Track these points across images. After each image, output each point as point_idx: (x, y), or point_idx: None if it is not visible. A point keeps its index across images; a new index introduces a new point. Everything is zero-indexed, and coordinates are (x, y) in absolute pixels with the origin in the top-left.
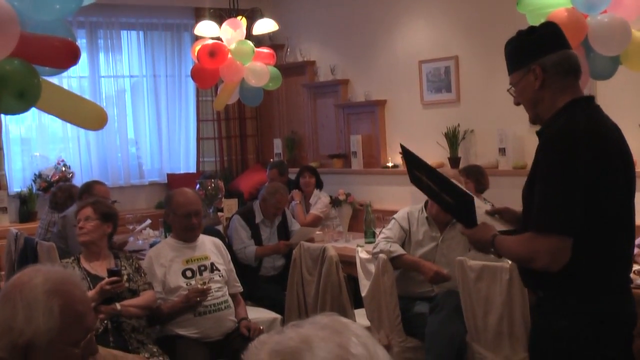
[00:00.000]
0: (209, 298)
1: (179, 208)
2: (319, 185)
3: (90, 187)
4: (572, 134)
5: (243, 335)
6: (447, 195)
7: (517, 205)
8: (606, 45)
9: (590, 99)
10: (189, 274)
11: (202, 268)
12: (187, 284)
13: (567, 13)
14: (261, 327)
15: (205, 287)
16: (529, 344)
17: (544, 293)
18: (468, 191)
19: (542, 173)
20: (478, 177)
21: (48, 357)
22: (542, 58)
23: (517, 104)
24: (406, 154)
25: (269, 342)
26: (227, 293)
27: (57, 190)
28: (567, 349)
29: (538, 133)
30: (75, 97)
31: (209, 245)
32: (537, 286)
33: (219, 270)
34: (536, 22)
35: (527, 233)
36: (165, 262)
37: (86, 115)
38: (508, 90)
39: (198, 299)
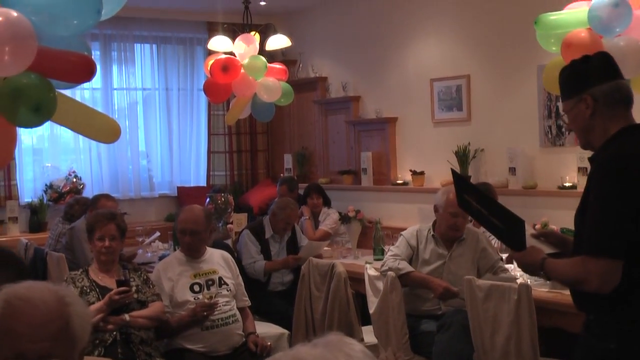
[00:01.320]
0: (217, 312)
1: (178, 223)
2: (327, 202)
3: (96, 201)
4: (624, 159)
5: (250, 350)
6: (496, 219)
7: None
8: (620, 68)
9: None
10: (196, 288)
11: (210, 282)
12: (194, 298)
13: (583, 34)
14: (269, 343)
15: (212, 301)
16: None
17: (595, 316)
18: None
19: (594, 197)
20: None
21: None
22: (593, 88)
23: (569, 130)
24: (457, 178)
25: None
26: (235, 307)
27: (74, 202)
28: None
29: (590, 159)
30: (89, 110)
31: (217, 259)
32: (589, 309)
33: (227, 285)
34: (546, 43)
35: (578, 256)
36: (173, 276)
37: (100, 128)
38: (561, 117)
39: (205, 313)
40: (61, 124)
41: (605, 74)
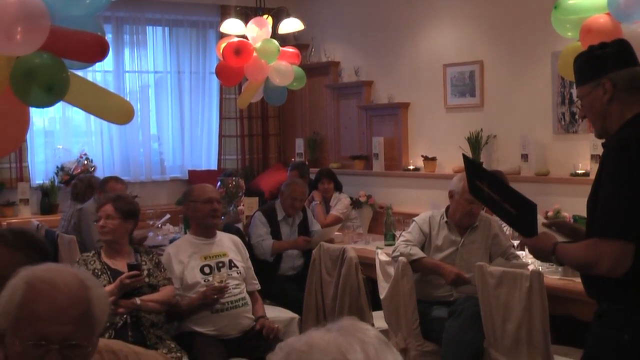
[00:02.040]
0: (226, 295)
1: (200, 196)
2: (338, 187)
3: (105, 184)
4: (637, 143)
5: (261, 333)
6: (508, 204)
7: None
8: (638, 56)
9: None
10: (206, 270)
11: (220, 264)
12: (204, 280)
13: (602, 20)
14: (278, 327)
15: (222, 284)
16: (584, 353)
17: (608, 305)
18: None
19: (607, 180)
20: None
21: (7, 346)
22: (612, 73)
23: (582, 117)
24: (468, 163)
25: (287, 344)
26: (244, 290)
27: (77, 181)
28: None
29: (604, 144)
30: (102, 91)
31: (227, 243)
32: (601, 297)
33: (237, 267)
34: (562, 28)
35: (590, 239)
36: (184, 259)
37: (113, 109)
38: (575, 104)
39: (215, 296)
40: (73, 104)
41: (623, 60)
